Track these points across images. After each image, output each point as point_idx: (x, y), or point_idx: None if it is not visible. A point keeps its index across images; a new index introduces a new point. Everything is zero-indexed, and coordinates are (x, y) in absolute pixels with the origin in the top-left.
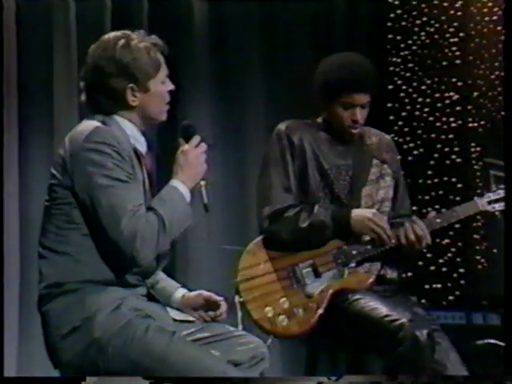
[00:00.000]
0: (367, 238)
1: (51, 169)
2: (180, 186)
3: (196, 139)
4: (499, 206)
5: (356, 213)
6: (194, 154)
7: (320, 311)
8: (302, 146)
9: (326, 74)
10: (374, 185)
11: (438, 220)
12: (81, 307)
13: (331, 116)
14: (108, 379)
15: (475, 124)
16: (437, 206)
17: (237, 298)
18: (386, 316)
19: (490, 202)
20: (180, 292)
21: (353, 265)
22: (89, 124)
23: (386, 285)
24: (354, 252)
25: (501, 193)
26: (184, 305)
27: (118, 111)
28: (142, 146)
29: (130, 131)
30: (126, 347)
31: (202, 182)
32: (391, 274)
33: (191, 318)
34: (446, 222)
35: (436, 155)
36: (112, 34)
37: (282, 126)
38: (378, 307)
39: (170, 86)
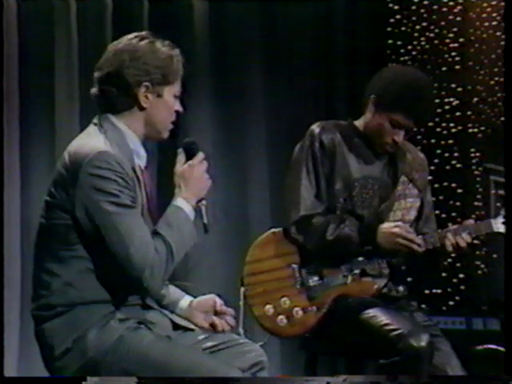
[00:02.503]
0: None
1: (50, 186)
2: (185, 205)
3: (201, 156)
4: None
5: (383, 229)
6: (199, 170)
7: (320, 315)
8: (333, 152)
9: (388, 85)
10: (393, 202)
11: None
12: (71, 328)
13: (375, 125)
14: (109, 379)
15: (475, 129)
16: (436, 212)
17: (242, 290)
18: (386, 325)
19: (504, 223)
20: (186, 300)
21: (357, 271)
22: (92, 142)
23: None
24: (360, 259)
25: None
26: (193, 309)
27: (124, 112)
28: (143, 161)
29: (133, 145)
30: (123, 361)
31: (204, 202)
32: (395, 293)
33: (192, 327)
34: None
35: (436, 160)
36: (136, 33)
37: (316, 128)
38: (377, 315)
39: (179, 107)
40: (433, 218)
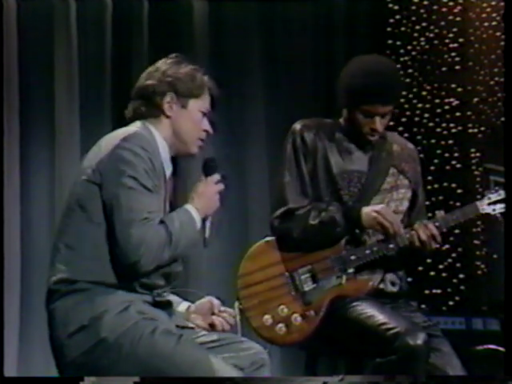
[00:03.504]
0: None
1: (81, 165)
2: (193, 210)
3: (217, 176)
4: (500, 208)
5: (366, 209)
6: (212, 189)
7: (318, 318)
8: (315, 148)
9: (350, 79)
10: (386, 194)
11: (437, 224)
12: (90, 306)
13: (351, 120)
14: (106, 379)
15: (475, 130)
16: (437, 212)
17: (236, 304)
18: (383, 324)
19: (490, 204)
20: (184, 305)
21: (351, 271)
22: (129, 128)
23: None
24: (353, 258)
25: (501, 193)
26: (190, 313)
27: (154, 119)
28: (168, 171)
29: (163, 151)
30: (133, 347)
31: (210, 218)
32: (391, 288)
33: (191, 325)
34: (446, 225)
35: (436, 161)
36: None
37: (297, 125)
38: (374, 315)
39: (208, 127)
40: (424, 211)
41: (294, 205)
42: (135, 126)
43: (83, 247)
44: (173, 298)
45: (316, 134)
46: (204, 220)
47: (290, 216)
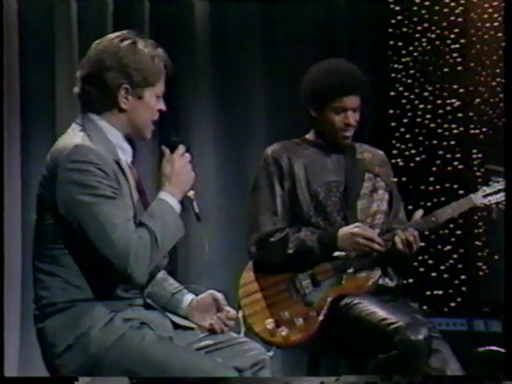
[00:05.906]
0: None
1: (38, 187)
2: (169, 198)
3: (182, 148)
4: (494, 199)
5: (341, 232)
6: (181, 163)
7: (320, 318)
8: (291, 169)
9: (315, 81)
10: (368, 198)
11: (433, 218)
12: (74, 324)
13: (323, 122)
14: (101, 379)
15: (477, 131)
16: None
17: (240, 313)
18: (384, 319)
19: (485, 196)
20: (189, 297)
21: (351, 270)
22: (70, 139)
23: (385, 294)
24: (352, 257)
25: (496, 186)
26: (193, 309)
27: (105, 113)
28: (128, 155)
29: (115, 140)
30: (123, 359)
31: (191, 192)
32: (391, 283)
33: (193, 326)
34: (441, 219)
35: (438, 162)
36: (118, 33)
37: (268, 151)
38: (375, 311)
39: (162, 106)
40: (400, 210)
41: (269, 229)
42: (80, 133)
43: (55, 270)
44: (180, 290)
45: (289, 155)
46: (184, 198)
47: (265, 242)
